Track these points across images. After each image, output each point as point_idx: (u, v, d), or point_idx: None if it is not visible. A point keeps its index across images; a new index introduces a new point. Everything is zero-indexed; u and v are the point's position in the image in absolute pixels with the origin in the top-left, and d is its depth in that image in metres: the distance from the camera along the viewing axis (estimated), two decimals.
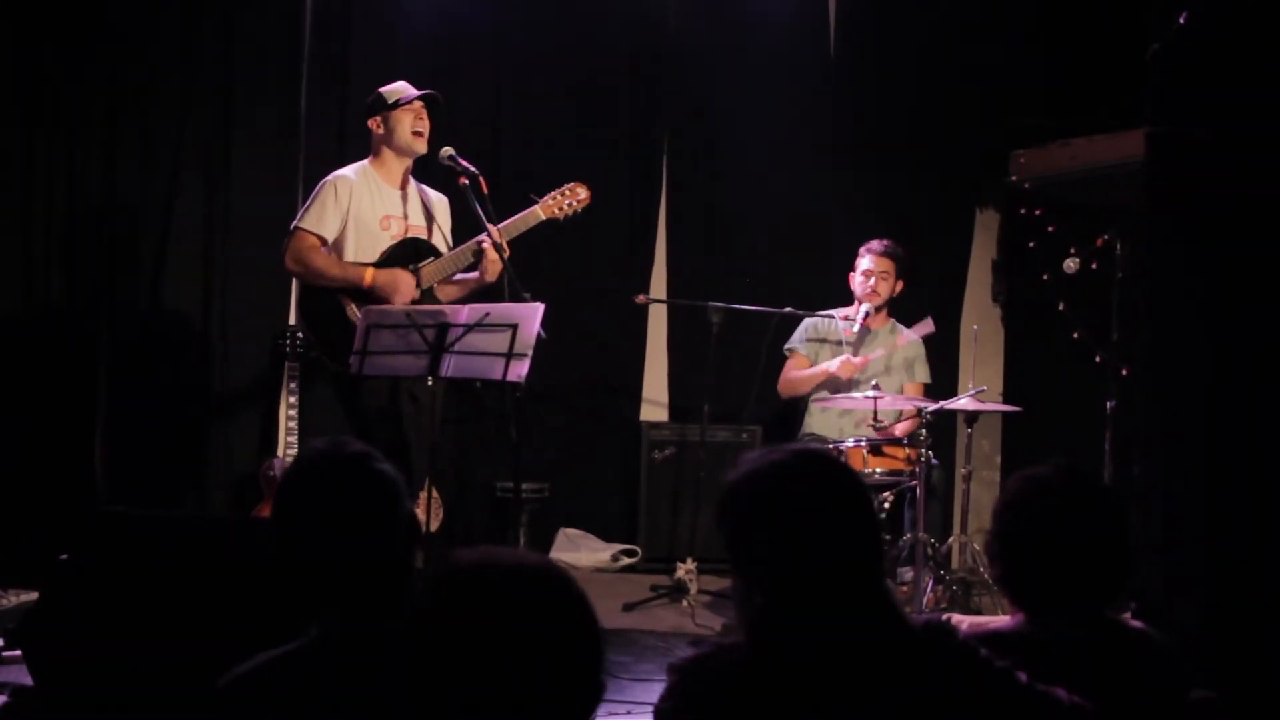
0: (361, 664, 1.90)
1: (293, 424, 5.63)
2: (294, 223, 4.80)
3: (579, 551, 6.34)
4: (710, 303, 5.64)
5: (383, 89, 4.86)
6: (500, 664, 1.47)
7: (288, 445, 5.63)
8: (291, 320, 5.89)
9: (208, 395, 5.98)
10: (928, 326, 5.68)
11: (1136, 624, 2.32)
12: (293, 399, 5.66)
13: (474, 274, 4.82)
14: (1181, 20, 2.77)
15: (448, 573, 1.52)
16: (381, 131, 4.84)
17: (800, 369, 5.84)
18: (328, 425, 5.85)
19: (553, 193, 4.90)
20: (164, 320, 5.90)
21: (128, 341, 5.80)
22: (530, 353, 4.30)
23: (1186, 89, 2.92)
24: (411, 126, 4.79)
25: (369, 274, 4.66)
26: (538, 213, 4.86)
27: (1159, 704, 2.18)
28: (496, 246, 4.62)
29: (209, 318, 5.97)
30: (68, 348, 5.71)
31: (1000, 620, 2.43)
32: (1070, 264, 5.20)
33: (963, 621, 2.45)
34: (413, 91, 4.82)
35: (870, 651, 1.94)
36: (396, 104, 4.80)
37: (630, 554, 6.35)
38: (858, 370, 5.61)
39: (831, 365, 5.67)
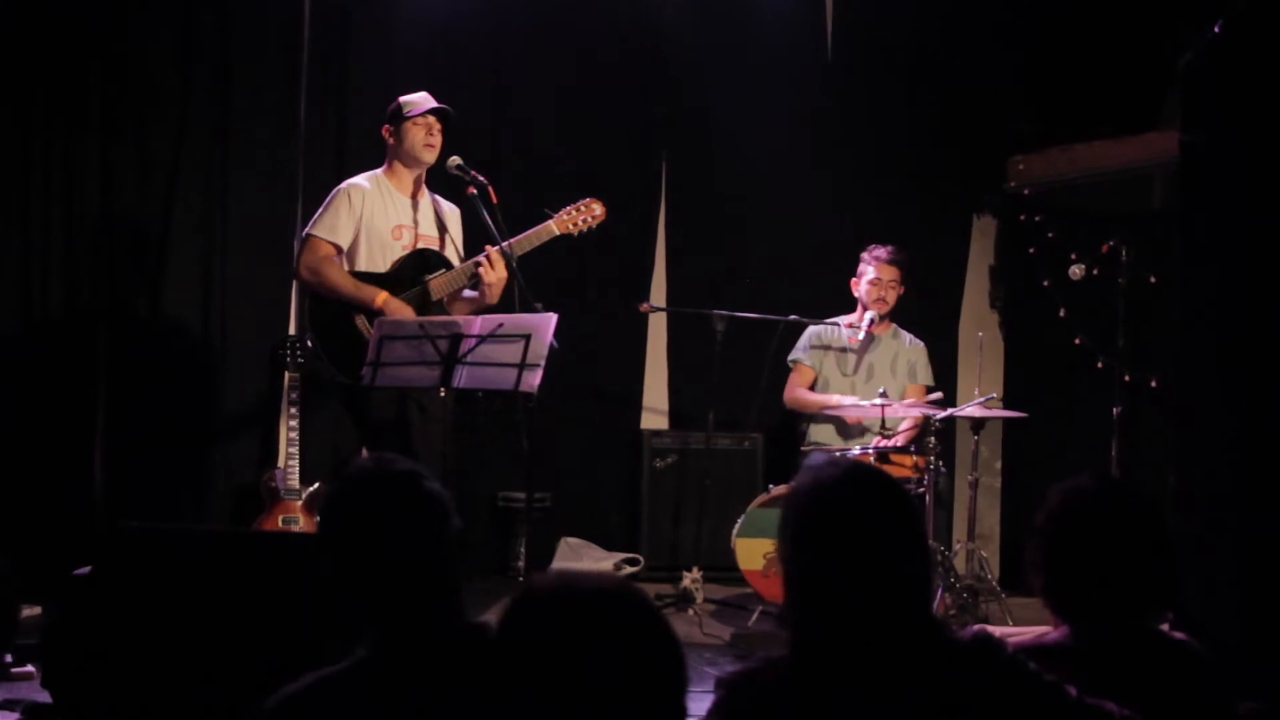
0: (411, 683, 1.88)
1: (293, 435, 5.59)
2: (307, 229, 4.76)
3: (581, 561, 6.30)
4: (714, 310, 5.63)
5: (403, 98, 4.82)
6: (586, 689, 1.45)
7: (288, 456, 5.58)
8: (291, 330, 5.85)
9: (207, 406, 5.91)
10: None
11: (1179, 635, 2.32)
12: (293, 410, 5.61)
13: (478, 293, 4.80)
14: (1216, 28, 2.78)
15: (527, 598, 1.50)
16: (393, 141, 4.82)
17: (805, 381, 5.80)
18: (328, 436, 5.84)
19: (567, 208, 4.86)
20: (163, 330, 5.82)
21: (127, 352, 5.72)
22: (543, 363, 4.28)
23: (1220, 97, 2.93)
24: (423, 140, 4.75)
25: (381, 297, 4.60)
26: (552, 228, 4.82)
27: (1205, 716, 2.18)
28: (505, 255, 4.59)
29: (208, 328, 5.90)
30: (66, 358, 5.64)
31: (1033, 631, 2.42)
32: (1076, 270, 5.21)
33: (994, 634, 2.44)
34: (425, 105, 4.78)
35: (919, 666, 1.93)
36: (408, 116, 4.77)
37: (632, 563, 6.32)
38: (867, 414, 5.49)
39: (844, 402, 5.58)
